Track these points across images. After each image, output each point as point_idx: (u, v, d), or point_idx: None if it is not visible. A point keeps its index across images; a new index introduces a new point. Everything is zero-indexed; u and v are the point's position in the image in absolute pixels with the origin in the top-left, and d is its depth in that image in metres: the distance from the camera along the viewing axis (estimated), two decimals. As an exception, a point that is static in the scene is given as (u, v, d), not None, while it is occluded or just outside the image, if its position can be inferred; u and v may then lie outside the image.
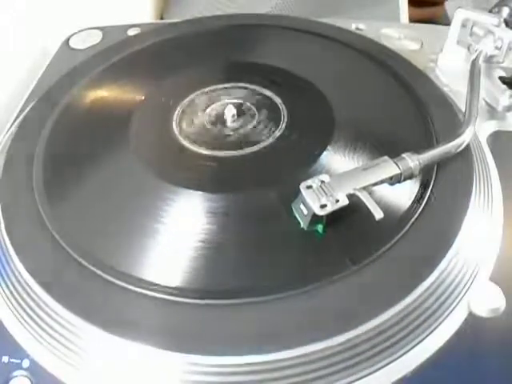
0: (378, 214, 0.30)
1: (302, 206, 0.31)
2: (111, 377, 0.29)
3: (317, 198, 0.31)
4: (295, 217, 0.32)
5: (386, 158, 0.33)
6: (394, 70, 0.43)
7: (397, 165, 0.32)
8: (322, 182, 0.31)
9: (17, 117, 0.44)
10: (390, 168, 0.32)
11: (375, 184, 0.32)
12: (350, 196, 0.31)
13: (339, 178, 0.32)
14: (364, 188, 0.31)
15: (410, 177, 0.33)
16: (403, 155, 0.33)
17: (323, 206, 0.30)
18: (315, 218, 0.31)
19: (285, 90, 0.41)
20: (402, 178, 0.32)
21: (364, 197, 0.31)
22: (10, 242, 0.33)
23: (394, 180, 0.32)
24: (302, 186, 0.31)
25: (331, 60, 0.45)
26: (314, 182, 0.31)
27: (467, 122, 0.36)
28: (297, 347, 0.27)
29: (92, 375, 0.29)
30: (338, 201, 0.30)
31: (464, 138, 0.35)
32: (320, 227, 0.31)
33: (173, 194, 0.34)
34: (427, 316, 0.29)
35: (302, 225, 0.32)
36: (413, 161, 0.32)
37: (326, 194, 0.31)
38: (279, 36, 0.48)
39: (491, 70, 0.43)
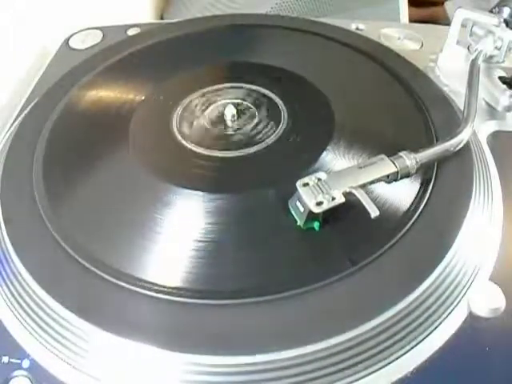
0: (374, 212, 0.30)
1: (298, 204, 0.31)
2: (111, 377, 0.29)
3: (313, 196, 0.31)
4: (291, 214, 0.32)
5: (382, 156, 0.33)
6: (394, 69, 0.43)
7: (393, 163, 0.32)
8: (319, 179, 0.31)
9: (17, 117, 0.44)
10: (386, 166, 0.32)
11: (372, 182, 0.32)
12: (347, 194, 0.31)
13: (336, 175, 0.32)
14: (360, 186, 0.31)
15: (407, 175, 0.33)
16: (400, 154, 0.33)
17: (319, 204, 0.30)
18: (311, 216, 0.31)
19: (284, 89, 0.41)
20: (399, 177, 0.32)
21: (360, 195, 0.31)
22: (10, 242, 0.33)
23: (390, 178, 0.32)
24: (299, 184, 0.31)
25: (331, 60, 0.45)
26: (310, 179, 0.31)
27: (465, 121, 0.36)
28: (297, 347, 0.27)
29: (92, 375, 0.29)
30: (334, 198, 0.31)
31: (462, 137, 0.35)
32: (316, 224, 0.31)
33: (172, 193, 0.34)
34: (427, 316, 0.29)
35: (298, 222, 0.32)
36: (410, 159, 0.33)
37: (322, 191, 0.31)
38: (279, 36, 0.48)
39: (491, 70, 0.43)
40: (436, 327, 0.29)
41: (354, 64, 0.45)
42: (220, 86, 0.42)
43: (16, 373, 0.29)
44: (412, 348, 0.29)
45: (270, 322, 0.28)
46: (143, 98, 0.42)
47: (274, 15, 0.59)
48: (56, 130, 0.40)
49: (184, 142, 0.38)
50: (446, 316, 0.30)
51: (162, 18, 0.69)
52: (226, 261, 0.31)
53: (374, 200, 0.31)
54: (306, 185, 0.31)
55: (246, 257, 0.31)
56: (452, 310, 0.30)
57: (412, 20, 0.62)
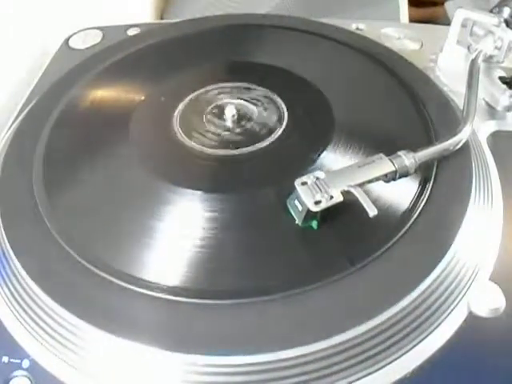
0: (372, 211, 0.30)
1: (296, 202, 0.31)
2: (111, 377, 0.29)
3: (311, 195, 0.31)
4: (290, 213, 0.32)
5: (381, 155, 0.33)
6: (393, 69, 0.43)
7: (392, 162, 0.32)
8: (317, 178, 0.31)
9: (17, 117, 0.44)
10: (385, 165, 0.32)
11: (370, 181, 0.32)
12: (345, 193, 0.31)
13: (334, 174, 0.32)
14: (359, 185, 0.31)
15: (406, 174, 0.33)
16: (399, 153, 0.33)
17: (317, 203, 0.30)
18: (310, 214, 0.31)
19: (285, 89, 0.41)
20: (397, 176, 0.32)
21: (358, 193, 0.31)
22: (10, 242, 0.33)
23: (389, 177, 0.32)
24: (297, 183, 0.31)
25: (331, 60, 0.45)
26: (309, 178, 0.32)
27: (464, 120, 0.36)
28: (296, 347, 0.27)
29: (92, 375, 0.29)
30: (332, 197, 0.31)
31: (461, 137, 0.35)
32: (314, 223, 0.31)
33: (172, 193, 0.34)
34: (427, 316, 0.29)
35: (296, 221, 0.32)
36: (408, 159, 0.33)
37: (320, 190, 0.31)
38: (279, 36, 0.48)
39: (491, 70, 0.43)
40: (436, 327, 0.29)
41: (354, 64, 0.45)
42: (220, 85, 0.42)
43: (16, 373, 0.29)
44: (412, 348, 0.29)
45: (270, 322, 0.28)
46: (143, 97, 0.42)
47: (273, 15, 0.59)
48: (56, 130, 0.40)
49: (184, 141, 0.38)
50: (446, 316, 0.30)
51: (162, 18, 0.69)
52: (226, 260, 0.31)
53: (373, 199, 0.31)
54: (304, 183, 0.31)
55: (246, 257, 0.31)
56: (452, 310, 0.30)
57: (412, 20, 0.62)
